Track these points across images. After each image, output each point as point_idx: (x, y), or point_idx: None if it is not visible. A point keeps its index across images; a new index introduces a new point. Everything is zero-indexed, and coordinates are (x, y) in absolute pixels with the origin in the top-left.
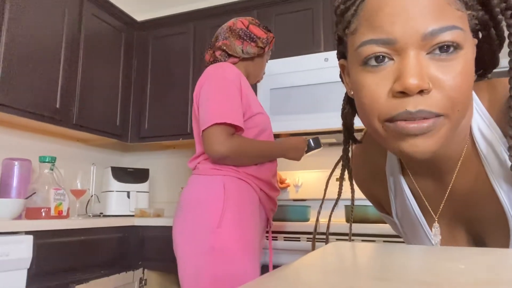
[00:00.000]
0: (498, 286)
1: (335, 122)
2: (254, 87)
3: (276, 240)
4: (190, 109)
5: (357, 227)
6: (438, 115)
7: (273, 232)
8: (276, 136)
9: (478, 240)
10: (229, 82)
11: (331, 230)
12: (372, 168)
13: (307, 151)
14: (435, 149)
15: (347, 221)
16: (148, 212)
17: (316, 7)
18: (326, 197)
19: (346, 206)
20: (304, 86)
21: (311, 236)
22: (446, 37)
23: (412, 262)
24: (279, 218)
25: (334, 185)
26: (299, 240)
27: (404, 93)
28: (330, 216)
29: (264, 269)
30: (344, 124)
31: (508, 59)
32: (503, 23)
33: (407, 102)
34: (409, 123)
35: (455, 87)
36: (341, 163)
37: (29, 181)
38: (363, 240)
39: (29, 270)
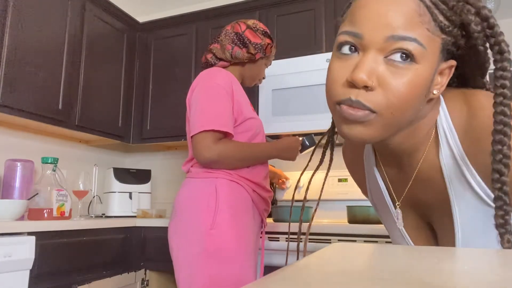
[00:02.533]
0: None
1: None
2: (255, 88)
3: (278, 241)
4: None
5: (359, 228)
6: (371, 111)
7: (274, 233)
8: (277, 137)
9: (430, 227)
10: (219, 88)
11: (332, 230)
12: (356, 154)
13: (301, 150)
14: (369, 138)
15: (349, 222)
16: (150, 212)
17: (318, 8)
18: (326, 198)
19: (347, 207)
20: (306, 87)
21: (312, 237)
22: (404, 45)
23: (414, 262)
24: (280, 219)
25: (334, 186)
26: (301, 241)
27: (352, 84)
28: (312, 217)
29: (266, 270)
30: None
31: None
32: (486, 51)
33: (352, 91)
34: (348, 108)
35: (396, 93)
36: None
37: (32, 182)
38: (365, 241)
39: (31, 271)
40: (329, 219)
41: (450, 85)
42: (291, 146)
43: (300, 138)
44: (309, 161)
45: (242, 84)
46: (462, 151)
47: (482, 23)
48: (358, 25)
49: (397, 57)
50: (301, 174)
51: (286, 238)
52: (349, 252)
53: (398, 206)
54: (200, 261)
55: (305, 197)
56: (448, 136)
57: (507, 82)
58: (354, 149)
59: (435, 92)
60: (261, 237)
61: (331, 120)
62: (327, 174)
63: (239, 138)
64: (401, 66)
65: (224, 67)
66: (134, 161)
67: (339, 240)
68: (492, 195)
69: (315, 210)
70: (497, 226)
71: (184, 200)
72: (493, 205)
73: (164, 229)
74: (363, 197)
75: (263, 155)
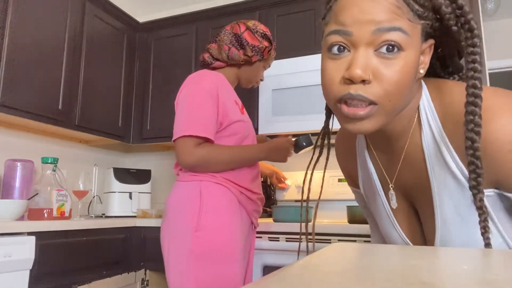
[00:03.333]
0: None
1: (337, 123)
2: (255, 88)
3: (278, 241)
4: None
5: (359, 228)
6: (372, 103)
7: (274, 233)
8: (277, 137)
9: (416, 212)
10: (203, 92)
11: (332, 230)
12: (348, 144)
13: (297, 150)
14: (372, 130)
15: (350, 222)
16: (150, 212)
17: (318, 8)
18: (326, 198)
19: (348, 207)
20: (305, 87)
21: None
22: (391, 36)
23: (414, 262)
24: (280, 219)
25: (334, 186)
26: (302, 241)
27: (351, 80)
28: (314, 215)
29: (266, 270)
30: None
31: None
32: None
33: (351, 87)
34: (349, 109)
35: (391, 81)
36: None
37: (32, 182)
38: (365, 241)
39: (31, 271)
40: (329, 219)
41: (433, 70)
42: (280, 147)
43: (294, 139)
44: (312, 160)
45: (239, 85)
46: (443, 133)
47: (451, 4)
48: (345, 24)
49: (385, 49)
50: (305, 174)
51: (288, 238)
52: (349, 252)
53: (392, 188)
54: (188, 263)
55: (307, 196)
56: (430, 118)
57: (477, 57)
58: (346, 139)
59: (421, 71)
60: (271, 240)
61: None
62: (324, 173)
63: (225, 142)
64: (391, 56)
65: (221, 67)
66: (134, 161)
67: (339, 240)
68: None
69: (315, 212)
70: (470, 187)
71: (172, 202)
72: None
73: None
74: None
75: (248, 157)
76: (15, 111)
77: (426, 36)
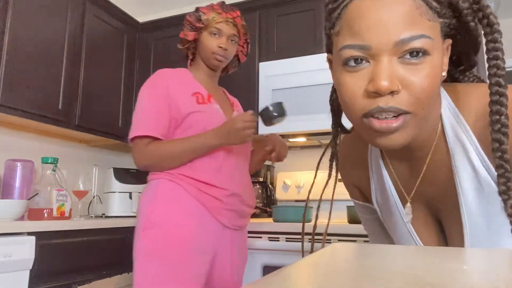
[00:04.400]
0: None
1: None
2: (255, 88)
3: (278, 241)
4: None
5: (359, 228)
6: (405, 112)
7: (274, 233)
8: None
9: (439, 224)
10: (152, 91)
11: (332, 230)
12: (357, 155)
13: (268, 123)
14: (405, 142)
15: (349, 222)
16: None
17: (318, 8)
18: (326, 198)
19: (348, 207)
20: (305, 87)
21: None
22: (415, 44)
23: (414, 262)
24: (280, 219)
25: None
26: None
27: (377, 93)
28: (329, 218)
29: (266, 270)
30: (332, 110)
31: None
32: (477, 28)
33: (379, 100)
34: (381, 122)
35: (421, 88)
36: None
37: (32, 182)
38: (365, 241)
39: (31, 271)
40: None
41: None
42: (233, 127)
43: (261, 109)
44: (321, 180)
45: (212, 69)
46: (474, 138)
47: None
48: (362, 37)
49: (410, 55)
50: (315, 176)
51: (287, 238)
52: (349, 252)
53: (409, 201)
54: (142, 260)
55: (312, 197)
56: (455, 124)
57: (499, 54)
58: (355, 149)
59: (443, 74)
60: (257, 238)
61: (331, 128)
62: (334, 188)
63: (184, 135)
64: (417, 61)
65: (193, 61)
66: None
67: (339, 240)
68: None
69: (317, 215)
70: (500, 193)
71: (139, 203)
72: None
73: None
74: None
75: (199, 146)
76: (15, 111)
77: (444, 36)
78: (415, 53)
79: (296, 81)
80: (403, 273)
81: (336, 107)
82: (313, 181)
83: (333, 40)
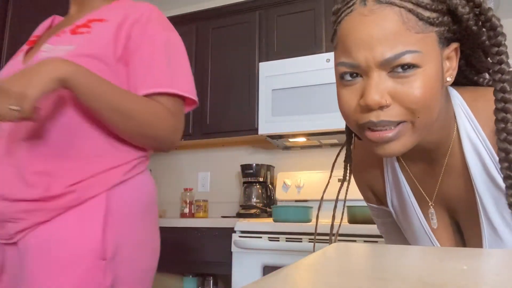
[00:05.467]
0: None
1: (337, 123)
2: (255, 88)
3: (278, 241)
4: (192, 110)
5: (359, 228)
6: (399, 123)
7: (274, 233)
8: (279, 136)
9: (457, 226)
10: None
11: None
12: (372, 158)
13: None
14: (404, 150)
15: (350, 222)
16: None
17: (318, 8)
18: (326, 198)
19: (348, 207)
20: (305, 87)
21: (313, 237)
22: (401, 61)
23: (414, 263)
24: (280, 219)
25: (334, 186)
26: (301, 241)
27: (369, 108)
28: (333, 217)
29: (266, 270)
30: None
31: None
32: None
33: (370, 115)
34: (374, 133)
35: (413, 100)
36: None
37: None
38: (365, 241)
39: None
40: (329, 219)
41: (460, 71)
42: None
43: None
44: (334, 164)
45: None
46: (488, 143)
47: (468, 3)
48: (351, 55)
49: (399, 69)
50: (331, 174)
51: (287, 238)
52: (349, 252)
53: (432, 206)
54: None
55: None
56: (469, 128)
57: (503, 57)
58: (369, 151)
59: (448, 79)
60: (257, 238)
61: (345, 131)
62: (346, 191)
63: None
64: (407, 74)
65: None
66: None
67: (339, 240)
68: None
69: (318, 215)
70: (510, 205)
71: None
72: None
73: (164, 229)
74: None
75: None
76: None
77: (447, 41)
78: (405, 66)
79: (296, 81)
80: (403, 273)
81: None
82: (328, 181)
83: (334, 52)
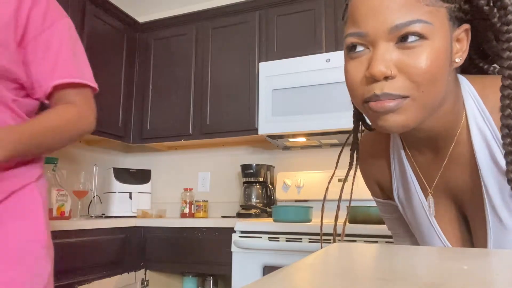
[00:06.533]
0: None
1: (337, 123)
2: (255, 88)
3: (278, 241)
4: (192, 110)
5: (360, 228)
6: (402, 97)
7: (274, 233)
8: (279, 136)
9: (464, 217)
10: None
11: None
12: (379, 150)
13: None
14: (406, 125)
15: (350, 222)
16: (150, 213)
17: (318, 8)
18: (329, 198)
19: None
20: (305, 87)
21: (313, 237)
22: (410, 29)
23: (414, 262)
24: (280, 219)
25: (334, 186)
26: (301, 241)
27: (374, 79)
28: (336, 216)
29: (266, 270)
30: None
31: None
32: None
33: (375, 86)
34: (377, 103)
35: (418, 72)
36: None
37: None
38: (365, 241)
39: None
40: (329, 219)
41: (471, 61)
42: None
43: None
44: (337, 162)
45: None
46: (497, 131)
47: None
48: (360, 24)
49: (408, 39)
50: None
51: (287, 238)
52: (349, 252)
53: (430, 194)
54: None
55: (340, 197)
56: (478, 116)
57: None
58: (377, 142)
59: (457, 60)
60: (257, 238)
61: (352, 119)
62: (354, 177)
63: None
64: (414, 45)
65: None
66: (134, 161)
67: (339, 240)
68: None
69: (337, 214)
70: (509, 181)
71: None
72: None
73: (164, 229)
74: (363, 197)
75: None
76: None
77: (458, 21)
78: (412, 37)
79: (296, 81)
80: (403, 273)
81: None
82: (331, 177)
83: (344, 28)
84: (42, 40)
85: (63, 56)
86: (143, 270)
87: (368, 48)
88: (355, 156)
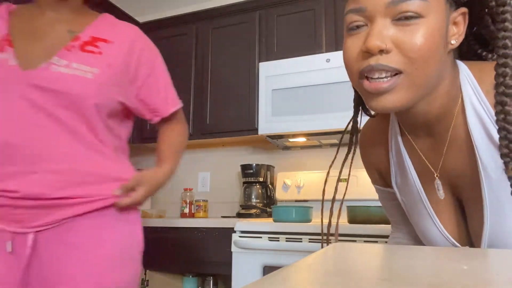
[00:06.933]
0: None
1: (337, 123)
2: (255, 88)
3: (278, 241)
4: (192, 110)
5: (360, 228)
6: (396, 71)
7: (274, 233)
8: (279, 136)
9: (460, 204)
10: None
11: (332, 230)
12: (378, 136)
13: None
14: (399, 105)
15: (350, 222)
16: (150, 212)
17: (318, 8)
18: (326, 198)
19: (348, 207)
20: (305, 87)
21: (313, 237)
22: (407, 6)
23: (414, 262)
24: (280, 219)
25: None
26: (301, 241)
27: (369, 53)
28: (330, 216)
29: (266, 270)
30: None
31: None
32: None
33: (370, 60)
34: (371, 84)
35: (412, 47)
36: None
37: None
38: (365, 241)
39: None
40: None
41: (471, 48)
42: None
43: None
44: (341, 158)
45: None
46: (493, 113)
47: None
48: (359, 1)
49: (404, 17)
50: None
51: (288, 238)
52: (349, 252)
53: (437, 177)
54: None
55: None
56: (474, 99)
57: (508, 16)
58: (376, 129)
59: (453, 42)
60: (257, 238)
61: (353, 101)
62: (350, 171)
63: None
64: (410, 23)
65: None
66: (135, 162)
67: (339, 240)
68: None
69: (339, 214)
70: (502, 155)
71: None
72: None
73: (164, 229)
74: (363, 197)
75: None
76: None
77: (455, 3)
78: (409, 14)
79: (296, 81)
80: (403, 273)
81: None
82: (327, 177)
83: (345, 8)
84: (153, 78)
85: (169, 87)
86: (143, 270)
87: (366, 25)
88: (354, 139)
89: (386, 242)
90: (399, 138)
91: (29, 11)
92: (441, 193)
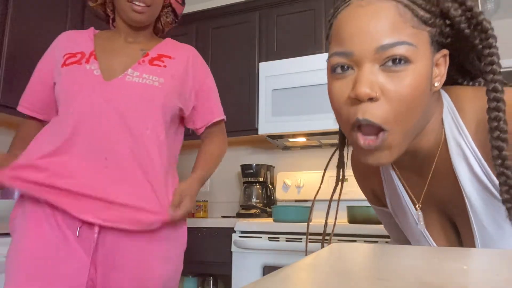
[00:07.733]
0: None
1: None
2: (255, 88)
3: (278, 241)
4: None
5: (360, 228)
6: (381, 129)
7: (274, 233)
8: (279, 136)
9: (455, 226)
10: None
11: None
12: (369, 167)
13: None
14: (391, 159)
15: (349, 222)
16: None
17: (318, 8)
18: (326, 198)
19: (348, 207)
20: (306, 87)
21: (313, 237)
22: (396, 51)
23: (414, 262)
24: (280, 219)
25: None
26: (301, 241)
27: (358, 100)
28: (326, 218)
29: (266, 270)
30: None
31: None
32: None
33: (358, 109)
34: (364, 139)
35: (400, 97)
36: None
37: None
38: (365, 241)
39: None
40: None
41: (454, 80)
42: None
43: None
44: (328, 162)
45: (134, 27)
46: (473, 145)
47: (461, 6)
48: (346, 44)
49: (391, 62)
50: (323, 174)
51: (287, 238)
52: (349, 252)
53: (419, 208)
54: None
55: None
56: (455, 131)
57: (495, 58)
58: None
59: (436, 84)
60: (257, 238)
61: (339, 133)
62: (340, 194)
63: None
64: (398, 69)
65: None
66: None
67: (339, 240)
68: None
69: (337, 215)
70: (504, 201)
71: None
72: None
73: None
74: (363, 197)
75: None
76: (15, 111)
77: (438, 45)
78: (397, 60)
79: (296, 81)
80: (403, 273)
81: None
82: (320, 186)
83: (329, 48)
84: (205, 89)
85: (216, 100)
86: None
87: (353, 69)
88: (341, 173)
89: (386, 242)
90: (391, 170)
91: (110, 35)
92: (421, 224)
